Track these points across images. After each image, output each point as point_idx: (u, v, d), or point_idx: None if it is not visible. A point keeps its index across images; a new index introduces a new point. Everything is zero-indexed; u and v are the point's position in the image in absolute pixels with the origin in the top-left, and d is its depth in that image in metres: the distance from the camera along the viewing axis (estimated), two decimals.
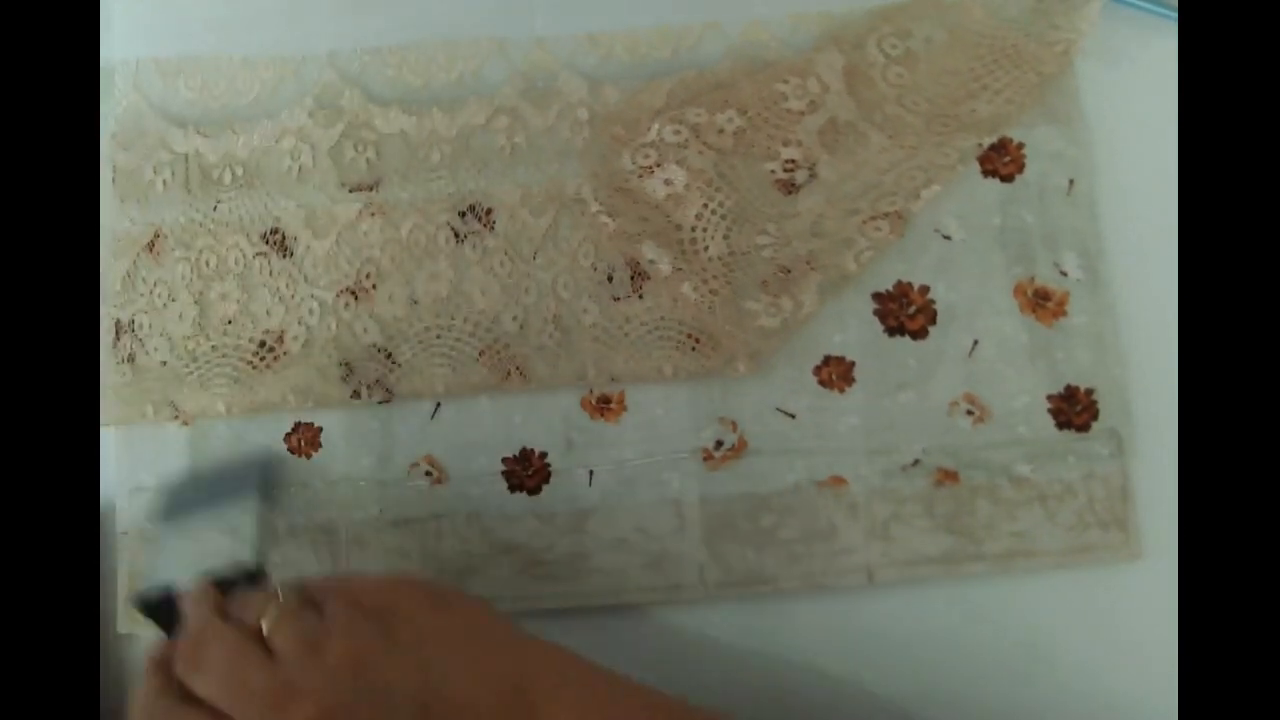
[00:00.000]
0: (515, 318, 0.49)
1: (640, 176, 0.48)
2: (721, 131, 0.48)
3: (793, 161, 0.49)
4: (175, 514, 0.43)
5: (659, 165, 0.48)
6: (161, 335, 0.50)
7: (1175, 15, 0.51)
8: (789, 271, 0.47)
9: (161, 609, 0.39)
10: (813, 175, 0.49)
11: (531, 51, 0.52)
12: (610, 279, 0.49)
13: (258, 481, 0.44)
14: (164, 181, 0.51)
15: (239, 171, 0.51)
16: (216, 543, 0.41)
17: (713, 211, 0.48)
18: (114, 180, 0.52)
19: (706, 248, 0.47)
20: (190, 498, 0.44)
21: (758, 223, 0.48)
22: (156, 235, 0.51)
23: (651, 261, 0.47)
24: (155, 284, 0.50)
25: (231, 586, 0.38)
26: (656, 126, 0.48)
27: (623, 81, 0.51)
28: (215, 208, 0.51)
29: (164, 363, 0.49)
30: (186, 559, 0.40)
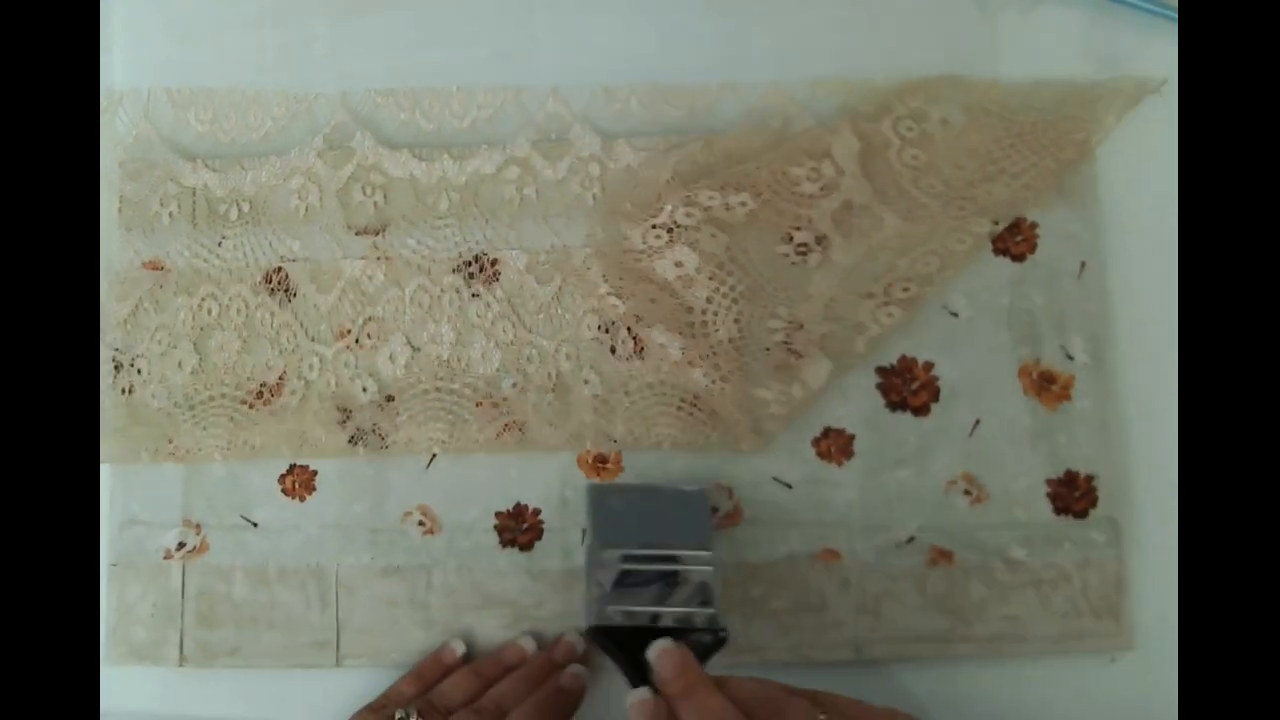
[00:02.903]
0: (515, 383, 0.49)
1: (650, 256, 0.48)
2: (730, 209, 0.48)
3: (805, 245, 0.48)
4: (611, 538, 0.43)
5: (670, 246, 0.48)
6: (160, 382, 0.49)
7: (1175, 15, 0.50)
8: (800, 356, 0.47)
9: (623, 642, 0.40)
10: (826, 258, 0.48)
11: (546, 102, 0.52)
12: (613, 351, 0.49)
13: (710, 531, 0.44)
14: (170, 214, 0.51)
15: (245, 208, 0.51)
16: (665, 589, 0.42)
17: (724, 295, 0.47)
18: (120, 210, 0.51)
19: (716, 330, 0.47)
20: (630, 523, 0.44)
21: (769, 305, 0.48)
22: (159, 282, 0.50)
23: (661, 345, 0.47)
24: (156, 329, 0.50)
25: (694, 644, 0.39)
26: (669, 208, 0.48)
27: (636, 138, 0.51)
28: (220, 243, 0.51)
29: (161, 409, 0.49)
30: (633, 596, 0.41)
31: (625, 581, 0.42)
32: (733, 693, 0.36)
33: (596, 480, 0.48)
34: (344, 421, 0.49)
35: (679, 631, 0.40)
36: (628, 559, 0.42)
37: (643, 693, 0.37)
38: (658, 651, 0.38)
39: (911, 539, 0.48)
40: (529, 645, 0.47)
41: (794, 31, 0.53)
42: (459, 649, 0.47)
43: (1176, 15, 0.50)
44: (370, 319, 0.50)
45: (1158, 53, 0.51)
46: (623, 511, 0.44)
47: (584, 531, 0.48)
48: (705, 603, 0.42)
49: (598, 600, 0.42)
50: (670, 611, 0.41)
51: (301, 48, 0.53)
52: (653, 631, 0.40)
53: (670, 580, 0.42)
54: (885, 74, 0.51)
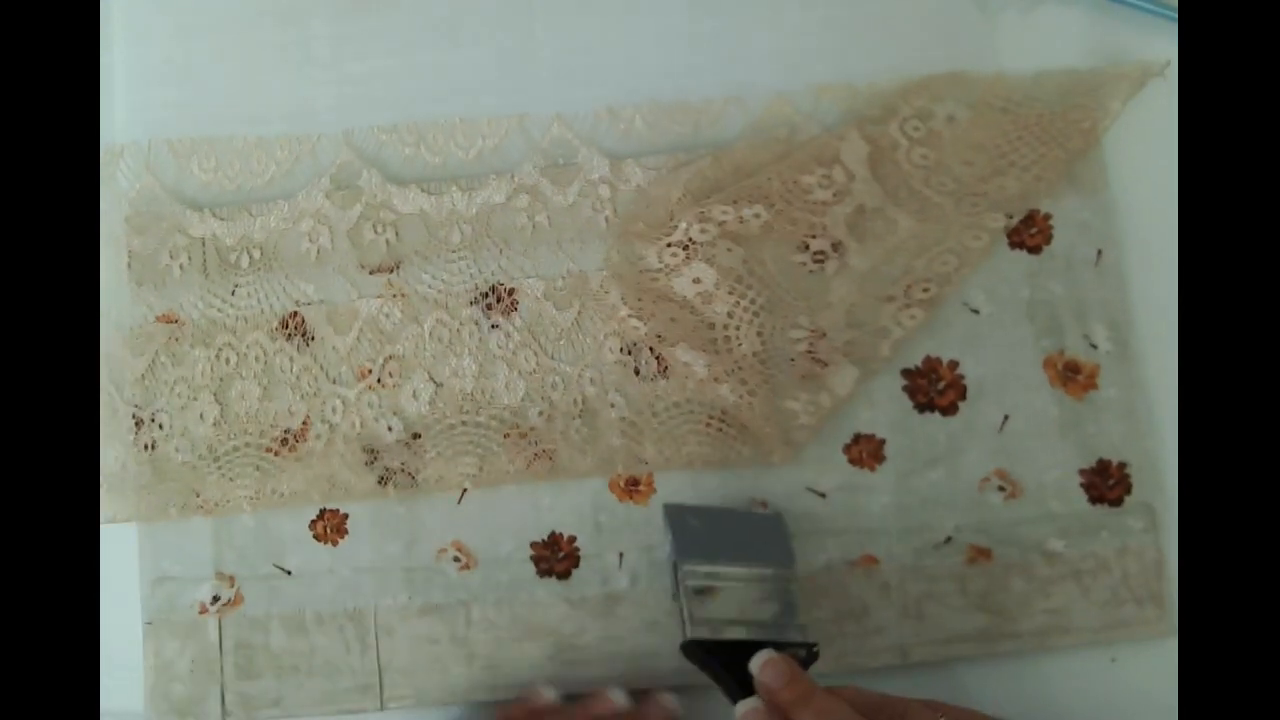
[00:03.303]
0: (541, 412, 0.48)
1: (668, 275, 0.48)
2: (744, 222, 0.47)
3: (822, 253, 0.48)
4: (696, 554, 0.43)
5: (687, 263, 0.48)
6: (183, 436, 0.49)
7: (1175, 15, 0.50)
8: (826, 364, 0.47)
9: (720, 655, 0.40)
10: (843, 264, 0.48)
11: (550, 127, 0.51)
12: (638, 372, 0.49)
13: (787, 548, 0.44)
14: (180, 266, 0.51)
15: (256, 255, 0.51)
16: (755, 604, 0.42)
17: (744, 309, 0.47)
18: (129, 265, 0.51)
19: (740, 344, 0.47)
20: (711, 541, 0.44)
21: (790, 316, 0.48)
22: (174, 335, 0.50)
23: (686, 364, 0.47)
24: (175, 383, 0.50)
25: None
26: (683, 225, 0.47)
27: (644, 157, 0.51)
28: (233, 292, 0.51)
29: (186, 462, 0.49)
30: (724, 611, 0.41)
31: (714, 596, 0.42)
32: (847, 699, 0.36)
33: (672, 501, 0.47)
34: (372, 462, 0.49)
35: (775, 645, 0.40)
36: (714, 575, 0.43)
37: (753, 702, 0.37)
38: (763, 662, 0.38)
39: (949, 539, 0.48)
40: (619, 698, 0.45)
41: (791, 35, 0.52)
42: (549, 694, 0.46)
43: (1176, 15, 0.50)
44: (390, 357, 0.49)
45: (1158, 52, 0.51)
46: (702, 530, 0.45)
47: (617, 557, 0.48)
48: (795, 618, 0.42)
49: (690, 614, 0.41)
50: (765, 625, 0.42)
51: (301, 49, 0.53)
52: (749, 645, 0.40)
53: (759, 596, 0.42)
54: (885, 76, 0.51)
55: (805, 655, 0.40)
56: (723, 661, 0.40)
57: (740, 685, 0.39)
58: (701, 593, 0.42)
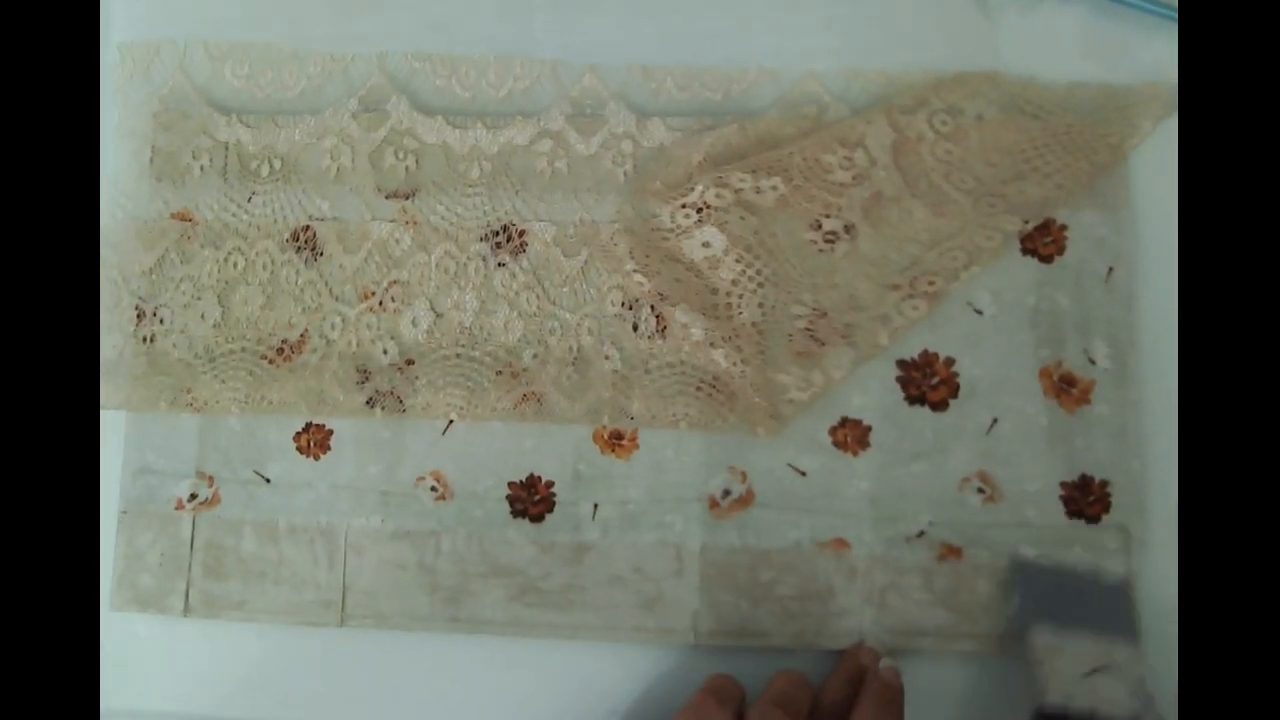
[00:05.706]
0: (536, 355, 0.49)
1: (678, 236, 0.48)
2: (761, 192, 0.48)
3: (834, 233, 0.48)
4: (1046, 618, 0.45)
5: (698, 226, 0.48)
6: (182, 333, 0.50)
7: (1175, 15, 0.50)
8: (823, 344, 0.47)
9: None
10: (853, 247, 0.48)
11: (583, 77, 0.52)
12: (636, 328, 0.49)
13: (1133, 621, 0.45)
14: (202, 167, 0.51)
15: (277, 165, 0.51)
16: (1105, 679, 0.43)
17: (750, 278, 0.47)
18: (151, 160, 0.51)
19: (740, 313, 0.47)
20: (1061, 605, 0.45)
21: (794, 291, 0.48)
22: (187, 234, 0.51)
23: (684, 325, 0.47)
24: (181, 280, 0.50)
25: None
26: (700, 188, 0.48)
27: (671, 119, 0.51)
28: (250, 198, 0.51)
29: (181, 359, 0.49)
30: (1069, 678, 0.43)
31: (1066, 665, 0.43)
32: None
33: (1022, 555, 0.47)
34: (363, 383, 0.49)
35: None
36: (1066, 643, 0.44)
37: None
38: None
39: (922, 533, 0.48)
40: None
41: (789, 33, 0.52)
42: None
43: (1176, 15, 0.50)
44: (395, 282, 0.50)
45: (1158, 52, 0.51)
46: (1052, 591, 0.46)
47: (591, 508, 0.48)
48: (1148, 703, 0.43)
49: (1047, 681, 0.43)
50: (1116, 703, 0.42)
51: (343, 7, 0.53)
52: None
53: (1108, 670, 0.43)
54: (884, 75, 0.51)
55: None
56: None
57: None
58: (1054, 660, 0.43)
